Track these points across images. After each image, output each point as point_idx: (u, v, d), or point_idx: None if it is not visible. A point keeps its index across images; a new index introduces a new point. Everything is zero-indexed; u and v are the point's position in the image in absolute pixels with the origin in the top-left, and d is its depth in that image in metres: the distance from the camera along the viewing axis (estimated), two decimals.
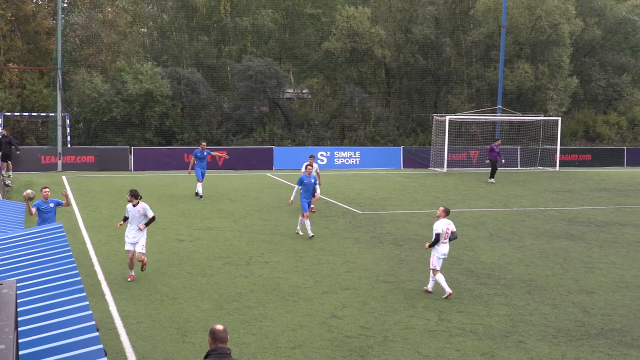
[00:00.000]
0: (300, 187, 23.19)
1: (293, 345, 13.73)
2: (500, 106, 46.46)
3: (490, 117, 46.70)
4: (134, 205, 17.49)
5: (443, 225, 16.99)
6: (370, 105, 50.21)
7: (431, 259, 17.14)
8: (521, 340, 14.38)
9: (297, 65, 53.62)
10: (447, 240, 17.08)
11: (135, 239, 17.44)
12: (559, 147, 45.92)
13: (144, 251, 17.47)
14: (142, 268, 17.72)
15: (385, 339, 14.17)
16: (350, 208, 29.00)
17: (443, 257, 17.11)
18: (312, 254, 20.94)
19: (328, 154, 43.13)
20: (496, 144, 38.70)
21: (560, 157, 46.24)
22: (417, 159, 44.51)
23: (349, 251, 21.43)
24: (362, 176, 39.81)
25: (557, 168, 45.58)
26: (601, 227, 26.22)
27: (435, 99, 52.42)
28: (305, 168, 23.59)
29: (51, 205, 18.61)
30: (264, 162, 42.00)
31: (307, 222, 22.98)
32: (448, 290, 16.84)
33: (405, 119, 51.35)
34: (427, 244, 17.22)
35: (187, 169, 38.27)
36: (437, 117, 44.89)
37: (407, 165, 44.31)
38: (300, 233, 23.21)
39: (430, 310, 16.04)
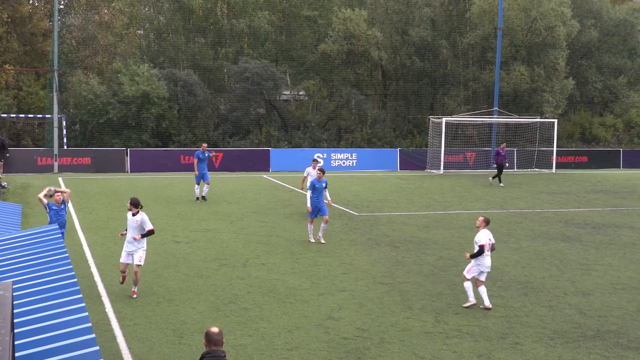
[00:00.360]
0: (312, 192, 22.58)
1: (290, 347, 13.72)
2: (496, 108, 46.50)
3: (486, 119, 46.74)
4: (133, 215, 16.47)
5: (485, 237, 16.34)
6: (367, 107, 50.24)
7: (469, 269, 16.38)
8: (517, 342, 14.38)
9: (294, 67, 53.67)
10: (490, 251, 16.45)
11: (133, 250, 16.39)
12: (555, 149, 45.96)
13: (141, 263, 16.40)
14: (132, 295, 16.43)
15: (381, 341, 14.16)
16: (347, 210, 29.01)
17: (487, 270, 16.37)
18: (308, 256, 20.94)
19: (325, 156, 43.13)
20: (501, 147, 38.61)
21: (557, 159, 46.30)
22: (413, 161, 44.53)
23: (346, 253, 21.43)
24: (358, 178, 39.82)
25: (554, 170, 45.63)
26: (597, 229, 26.25)
27: (432, 101, 52.47)
28: (316, 173, 23.40)
29: (62, 206, 18.24)
30: (261, 163, 42.00)
31: (310, 227, 22.87)
32: (472, 300, 16.32)
33: (401, 121, 51.39)
34: (469, 255, 16.46)
35: (182, 171, 38.39)
36: (433, 119, 44.93)
37: (403, 167, 44.33)
38: (323, 241, 22.59)
39: (427, 312, 16.04)
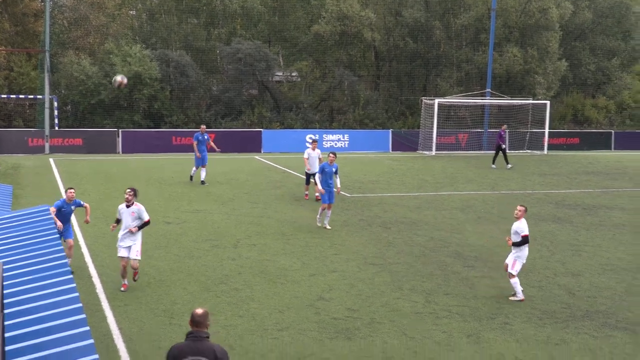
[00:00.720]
0: (321, 176, 22.08)
1: (280, 327, 13.78)
2: (489, 90, 46.48)
3: (479, 101, 46.73)
4: (128, 206, 15.54)
5: (527, 226, 15.87)
6: (360, 88, 50.16)
7: (512, 264, 15.74)
8: (507, 322, 14.47)
9: (287, 48, 53.45)
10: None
11: (129, 244, 15.60)
12: (547, 130, 46.02)
13: (138, 257, 15.69)
14: (134, 278, 15.80)
15: (372, 321, 14.23)
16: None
17: (525, 261, 15.99)
18: (299, 237, 20.98)
19: (317, 137, 43.04)
20: (503, 129, 38.68)
21: (549, 140, 46.36)
22: (405, 142, 44.53)
23: (337, 234, 21.47)
24: (350, 159, 39.81)
25: (546, 151, 45.71)
26: (588, 210, 26.34)
27: (425, 82, 52.41)
28: (328, 156, 22.36)
29: (72, 207, 17.03)
30: (253, 144, 41.96)
31: (329, 213, 22.09)
32: (521, 295, 15.78)
33: (394, 102, 51.34)
34: (511, 241, 15.80)
35: (174, 152, 38.42)
36: (426, 101, 44.91)
37: (395, 148, 44.35)
38: (329, 227, 22.02)
39: (417, 292, 16.11)
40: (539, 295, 16.05)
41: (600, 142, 49.00)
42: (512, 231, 15.95)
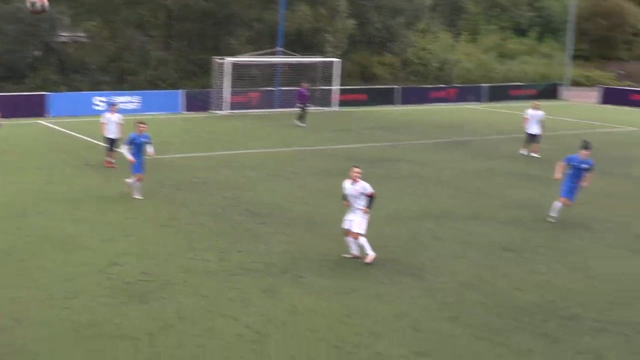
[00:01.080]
0: (130, 147, 21.10)
1: (70, 295, 13.37)
2: (280, 48, 46.86)
3: (270, 60, 47.02)
4: None
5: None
6: (151, 48, 49.09)
7: (360, 224, 15.73)
8: (301, 275, 14.81)
9: (73, 8, 51.19)
10: None
11: None
12: (337, 87, 47.08)
13: None
14: None
15: (165, 283, 14.12)
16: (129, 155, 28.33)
17: None
18: (90, 202, 20.39)
19: (106, 99, 41.78)
20: (304, 87, 39.08)
21: (339, 97, 47.45)
22: (198, 102, 44.16)
23: (129, 198, 21.00)
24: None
25: (336, 108, 46.81)
26: (377, 163, 27.27)
27: (216, 41, 52.02)
28: (137, 126, 21.14)
29: None
30: (37, 109, 40.00)
31: (138, 184, 21.02)
32: (372, 253, 15.72)
33: (185, 62, 50.62)
34: (367, 209, 15.82)
35: None
36: (217, 60, 44.63)
37: (188, 108, 43.85)
38: (138, 197, 20.98)
39: (210, 251, 16.13)
40: (332, 248, 16.51)
41: (386, 97, 50.71)
42: (351, 193, 15.88)
